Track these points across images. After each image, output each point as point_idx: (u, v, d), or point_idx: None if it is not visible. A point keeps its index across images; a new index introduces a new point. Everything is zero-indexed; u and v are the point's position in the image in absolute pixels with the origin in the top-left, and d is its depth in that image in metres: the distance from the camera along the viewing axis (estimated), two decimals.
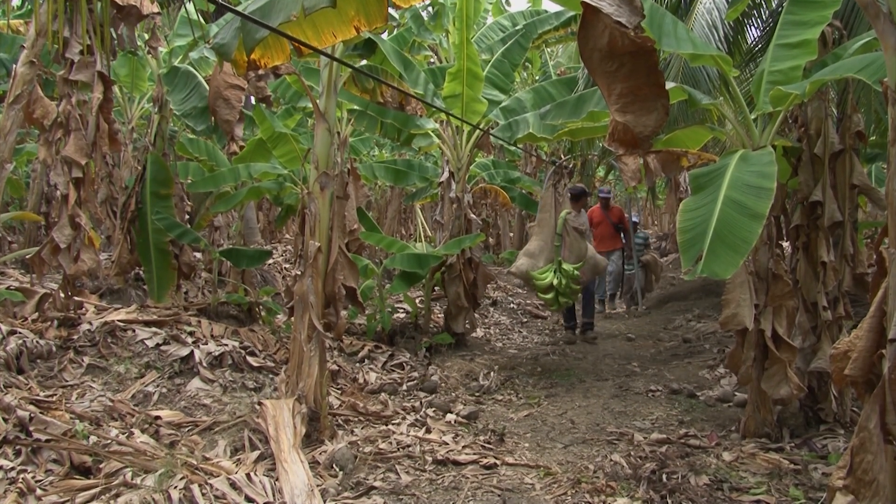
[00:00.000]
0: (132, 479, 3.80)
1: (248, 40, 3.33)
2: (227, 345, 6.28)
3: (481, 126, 8.36)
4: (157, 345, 6.01)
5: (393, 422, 5.67)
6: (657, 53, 2.76)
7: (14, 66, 5.98)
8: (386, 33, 8.86)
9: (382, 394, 6.41)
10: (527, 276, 8.02)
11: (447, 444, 5.28)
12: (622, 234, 12.12)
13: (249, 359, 6.22)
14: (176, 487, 3.71)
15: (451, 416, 5.95)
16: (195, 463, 4.15)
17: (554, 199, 8.22)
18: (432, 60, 10.62)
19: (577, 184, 10.11)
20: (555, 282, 7.88)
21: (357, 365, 7.19)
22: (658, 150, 5.43)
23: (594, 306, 10.23)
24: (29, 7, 9.26)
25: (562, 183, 8.40)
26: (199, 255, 9.96)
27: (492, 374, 7.38)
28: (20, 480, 3.63)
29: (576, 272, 7.90)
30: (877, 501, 1.74)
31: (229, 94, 5.38)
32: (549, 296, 7.94)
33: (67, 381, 5.31)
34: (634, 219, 13.57)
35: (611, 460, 4.95)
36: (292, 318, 5.25)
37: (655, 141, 5.26)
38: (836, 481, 1.98)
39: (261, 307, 8.17)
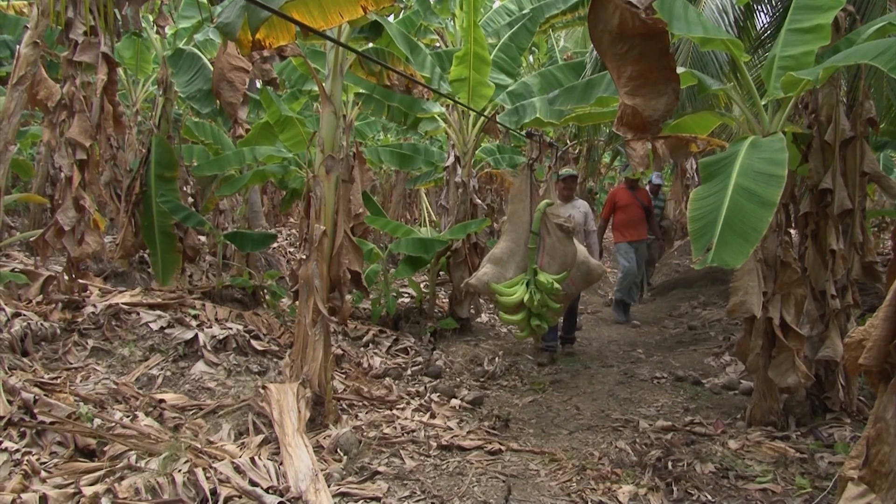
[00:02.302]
0: (136, 463, 3.79)
1: (252, 19, 3.29)
2: (231, 328, 6.27)
3: (488, 109, 8.28)
4: (162, 328, 6.00)
5: (397, 406, 5.66)
6: (668, 36, 2.71)
7: (17, 46, 5.93)
8: (392, 16, 8.79)
9: (387, 378, 6.40)
10: (488, 289, 5.69)
11: (452, 429, 5.27)
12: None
13: (254, 342, 6.20)
14: (180, 471, 3.71)
15: (455, 402, 5.94)
16: (199, 446, 4.14)
17: (530, 186, 5.96)
18: (438, 45, 10.54)
19: (568, 169, 8.36)
20: (525, 298, 5.56)
21: (362, 349, 7.18)
22: (666, 136, 5.39)
23: (577, 319, 8.33)
24: None
25: (542, 163, 6.22)
26: (203, 238, 9.94)
27: (496, 359, 7.36)
28: (25, 462, 3.63)
29: (556, 286, 5.56)
30: (894, 493, 1.71)
31: (233, 77, 5.33)
32: (518, 317, 5.69)
33: (72, 363, 5.30)
34: (657, 181, 11.86)
35: (616, 447, 4.94)
36: (297, 302, 5.23)
37: (664, 126, 5.20)
38: (849, 471, 1.95)
39: (265, 291, 8.15)
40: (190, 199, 8.86)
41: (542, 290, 5.61)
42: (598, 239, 9.15)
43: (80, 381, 5.00)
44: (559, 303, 5.79)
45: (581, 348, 8.35)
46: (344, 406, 5.48)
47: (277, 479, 3.87)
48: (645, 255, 10.42)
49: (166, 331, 5.99)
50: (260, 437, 4.58)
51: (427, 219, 13.63)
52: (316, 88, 6.35)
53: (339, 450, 4.62)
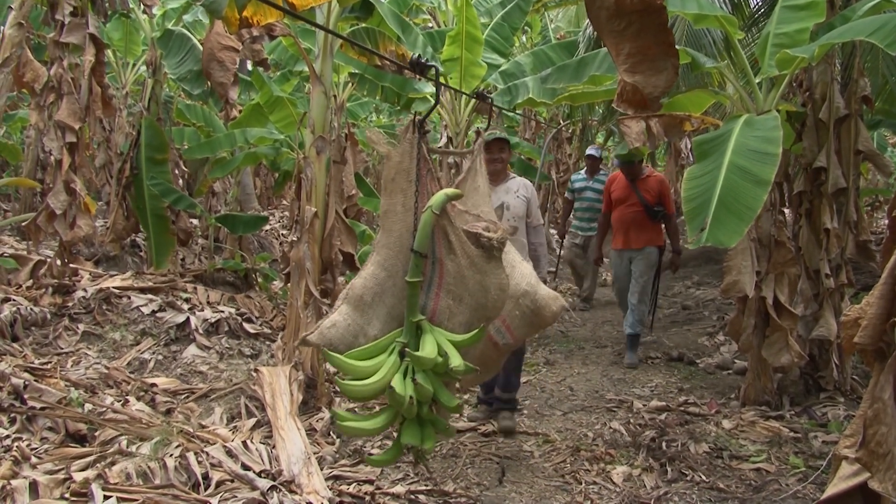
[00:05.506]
0: (127, 447, 3.76)
1: None
2: (223, 311, 6.23)
3: (480, 89, 8.21)
4: (153, 312, 5.96)
5: None
6: (666, 11, 2.66)
7: (2, 28, 5.85)
8: None
9: None
10: (331, 361, 2.47)
11: None
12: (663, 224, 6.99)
13: (246, 325, 6.18)
14: (172, 455, 3.68)
15: None
16: (191, 430, 4.11)
17: (417, 162, 2.69)
18: (430, 24, 10.44)
19: (494, 132, 5.35)
20: (397, 387, 2.32)
21: None
22: (661, 114, 5.34)
23: (518, 376, 5.14)
24: None
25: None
26: (195, 221, 9.88)
27: None
28: (15, 448, 3.59)
29: (457, 362, 2.37)
30: (891, 474, 1.69)
31: (224, 56, 5.24)
32: (379, 421, 2.49)
33: (62, 348, 5.27)
34: (592, 152, 9.05)
35: (610, 428, 4.93)
36: (289, 285, 5.19)
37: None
38: (843, 450, 1.93)
39: (257, 273, 8.11)
40: (181, 182, 8.79)
41: (424, 370, 2.44)
42: (598, 242, 7.51)
43: (71, 366, 4.97)
44: (467, 384, 3.13)
45: (575, 329, 8.34)
46: (337, 389, 5.46)
47: (270, 463, 3.84)
48: (647, 269, 6.89)
49: (158, 314, 5.95)
50: (252, 421, 4.56)
51: None
52: (307, 69, 6.27)
53: (332, 433, 4.61)
